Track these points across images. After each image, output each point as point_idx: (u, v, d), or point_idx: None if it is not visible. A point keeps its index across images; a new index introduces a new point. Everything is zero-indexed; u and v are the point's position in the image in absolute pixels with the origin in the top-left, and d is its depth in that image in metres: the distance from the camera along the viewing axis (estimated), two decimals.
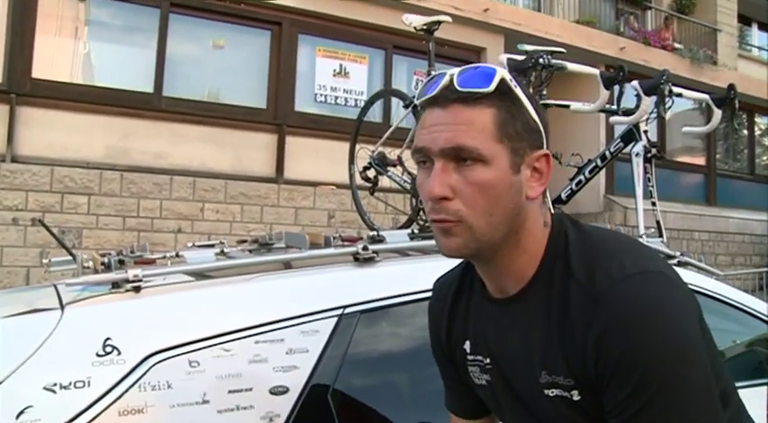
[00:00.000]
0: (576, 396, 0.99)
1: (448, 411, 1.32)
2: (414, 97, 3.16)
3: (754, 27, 15.31)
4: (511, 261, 1.05)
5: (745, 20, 14.69)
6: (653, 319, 0.92)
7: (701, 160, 13.42)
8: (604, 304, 0.95)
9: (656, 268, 0.99)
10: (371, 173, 3.37)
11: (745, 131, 14.41)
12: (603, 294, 0.95)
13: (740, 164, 14.38)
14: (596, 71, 2.64)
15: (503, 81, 1.00)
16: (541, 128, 1.04)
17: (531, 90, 2.47)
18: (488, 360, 1.13)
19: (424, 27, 3.15)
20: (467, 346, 1.18)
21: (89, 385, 1.39)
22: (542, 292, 1.03)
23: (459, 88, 0.99)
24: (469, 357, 1.18)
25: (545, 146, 1.05)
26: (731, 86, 2.76)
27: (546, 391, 1.02)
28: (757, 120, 14.60)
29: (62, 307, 1.52)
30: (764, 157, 15.13)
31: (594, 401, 0.97)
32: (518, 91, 1.02)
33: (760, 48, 15.43)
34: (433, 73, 1.06)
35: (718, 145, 13.81)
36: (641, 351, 0.91)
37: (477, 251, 1.02)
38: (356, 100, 8.95)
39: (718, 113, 2.82)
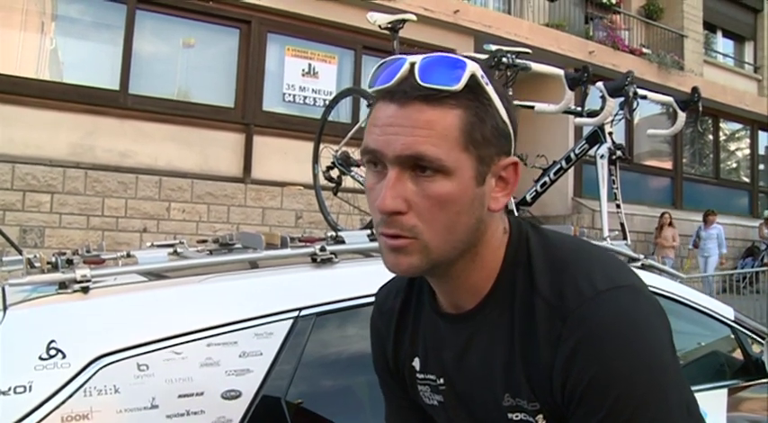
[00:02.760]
0: (540, 421, 0.92)
1: None
2: None
3: (719, 34, 15.57)
4: (467, 276, 0.95)
5: (710, 27, 14.93)
6: (627, 340, 0.85)
7: (668, 164, 13.60)
8: (573, 323, 0.86)
9: (626, 282, 0.91)
10: (335, 173, 3.34)
11: (711, 136, 14.64)
12: (573, 312, 0.87)
13: (706, 168, 14.61)
14: (561, 72, 2.63)
15: (473, 77, 0.87)
16: (511, 131, 0.92)
17: None
18: (441, 380, 1.03)
19: (389, 25, 3.13)
20: (416, 363, 1.08)
21: (30, 390, 1.34)
22: (503, 308, 0.94)
23: (421, 83, 0.85)
24: (419, 375, 1.08)
25: (513, 151, 0.93)
26: (695, 89, 2.78)
27: (510, 416, 0.94)
28: (722, 125, 14.85)
29: (5, 308, 1.45)
30: (729, 162, 15.39)
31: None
32: (489, 88, 0.89)
33: (725, 55, 15.68)
34: (390, 58, 0.92)
35: (685, 149, 14.01)
36: (615, 374, 0.84)
37: (430, 270, 0.92)
38: (325, 100, 8.89)
39: (682, 116, 2.83)
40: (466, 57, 0.89)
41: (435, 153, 0.84)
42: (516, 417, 0.93)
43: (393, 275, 1.13)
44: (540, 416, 0.91)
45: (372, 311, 1.21)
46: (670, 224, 10.82)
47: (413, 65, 0.87)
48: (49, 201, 7.04)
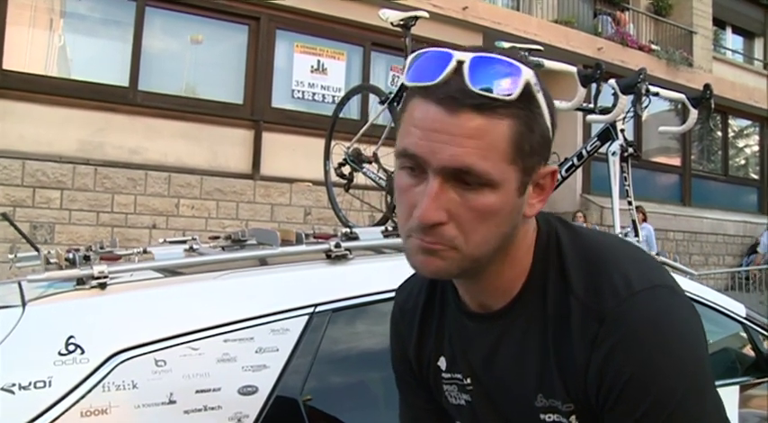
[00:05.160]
0: (574, 422, 0.90)
1: None
2: (390, 93, 3.13)
3: (728, 30, 15.49)
4: (497, 276, 0.92)
5: (719, 23, 14.86)
6: (665, 341, 0.83)
7: (676, 161, 13.54)
8: (611, 324, 0.84)
9: (662, 282, 0.88)
10: (347, 169, 3.35)
11: (720, 133, 14.58)
12: (609, 313, 0.84)
13: (714, 165, 14.54)
14: (574, 69, 2.63)
15: (527, 85, 0.81)
16: (551, 135, 0.88)
17: None
18: (469, 380, 1.01)
19: (401, 22, 3.13)
20: (441, 362, 1.05)
21: (50, 385, 1.35)
22: (534, 308, 0.92)
23: (472, 89, 0.79)
24: (445, 375, 1.05)
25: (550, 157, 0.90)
26: (707, 86, 2.77)
27: (543, 416, 0.92)
28: (731, 122, 14.78)
29: (24, 304, 1.47)
30: (738, 159, 15.32)
31: None
32: (540, 97, 0.84)
33: (734, 51, 15.61)
34: (428, 49, 0.86)
35: (694, 146, 13.95)
36: (654, 375, 0.82)
37: (457, 275, 0.90)
38: (334, 96, 8.89)
39: (694, 113, 2.82)
40: (516, 60, 0.84)
41: (484, 167, 0.80)
42: (549, 418, 0.91)
43: (412, 273, 1.08)
44: (574, 416, 0.90)
45: (393, 310, 1.18)
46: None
47: (461, 64, 0.81)
48: (58, 197, 7.06)
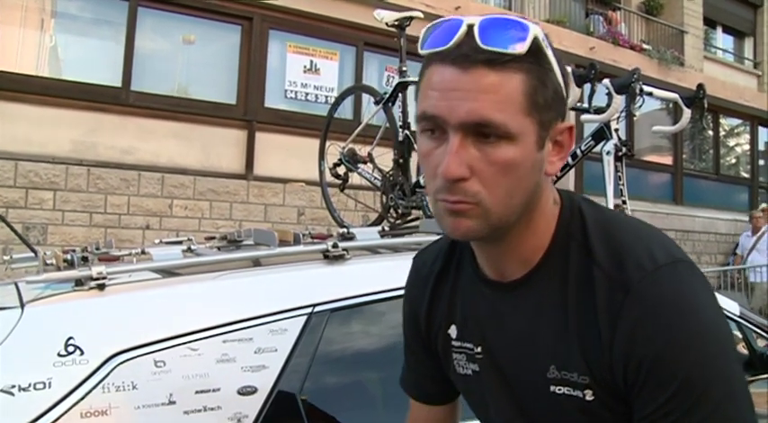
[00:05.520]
0: (588, 396, 0.89)
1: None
2: (385, 94, 3.14)
3: (719, 30, 15.55)
4: (519, 243, 0.93)
5: (710, 23, 14.92)
6: (695, 314, 0.84)
7: (668, 160, 13.59)
8: (637, 295, 0.84)
9: (683, 257, 0.89)
10: (342, 170, 3.35)
11: (711, 132, 14.64)
12: (636, 284, 0.85)
13: (706, 164, 14.60)
14: (569, 69, 2.63)
15: (535, 40, 0.85)
16: (565, 93, 0.91)
17: None
18: (479, 349, 1.01)
19: (396, 23, 3.13)
20: (452, 331, 1.06)
21: (50, 387, 1.35)
22: (554, 278, 0.92)
23: (482, 46, 0.83)
24: (455, 343, 1.06)
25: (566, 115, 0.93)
26: (700, 86, 2.79)
27: (553, 388, 0.91)
28: (722, 121, 14.85)
29: (22, 305, 1.47)
30: (729, 158, 15.39)
31: (610, 403, 0.89)
32: (549, 52, 0.88)
33: (724, 50, 15.67)
34: (441, 19, 0.90)
35: (685, 145, 14.01)
36: (686, 348, 0.82)
37: (487, 235, 0.90)
38: (327, 96, 8.89)
39: (687, 113, 2.84)
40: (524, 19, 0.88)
41: (501, 119, 0.83)
42: (559, 390, 0.91)
43: (433, 240, 1.15)
44: (589, 391, 0.89)
45: (408, 274, 1.18)
46: None
47: (470, 27, 0.85)
48: (51, 198, 7.04)
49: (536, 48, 0.85)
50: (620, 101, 2.60)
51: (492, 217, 0.87)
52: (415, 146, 2.91)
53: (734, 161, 15.54)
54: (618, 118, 2.68)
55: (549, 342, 0.92)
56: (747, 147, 15.41)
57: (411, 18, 3.12)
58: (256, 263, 1.84)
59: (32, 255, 2.37)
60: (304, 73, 8.89)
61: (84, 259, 1.77)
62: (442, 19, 0.90)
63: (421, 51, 0.89)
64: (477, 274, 1.01)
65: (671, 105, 2.74)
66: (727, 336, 0.87)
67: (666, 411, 0.82)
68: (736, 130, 15.54)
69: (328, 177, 3.44)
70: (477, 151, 0.84)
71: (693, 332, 0.83)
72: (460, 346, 1.05)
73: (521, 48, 0.83)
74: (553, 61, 0.88)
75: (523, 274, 0.95)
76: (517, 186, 0.87)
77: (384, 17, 3.17)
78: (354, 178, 3.36)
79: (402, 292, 1.20)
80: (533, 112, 0.85)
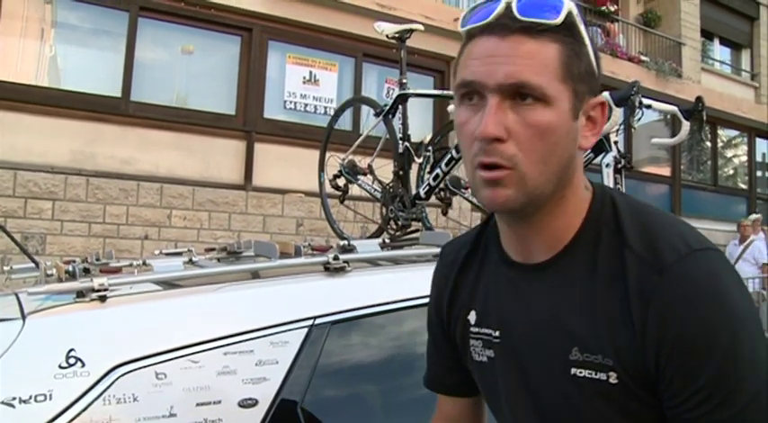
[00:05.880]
0: (612, 379, 0.88)
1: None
2: (385, 106, 3.15)
3: (716, 42, 15.62)
4: (550, 221, 0.95)
5: (707, 35, 14.98)
6: (728, 298, 0.84)
7: (666, 171, 13.62)
8: (672, 276, 0.84)
9: (713, 245, 0.91)
10: (341, 181, 3.36)
11: (709, 143, 14.68)
12: (671, 266, 0.85)
13: (704, 175, 14.64)
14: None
15: (570, 14, 0.89)
16: (597, 72, 0.94)
17: None
18: (498, 333, 1.02)
19: (396, 35, 3.15)
20: (471, 316, 1.08)
21: (51, 399, 1.35)
22: (583, 261, 0.93)
23: (520, 17, 0.87)
24: (473, 329, 1.07)
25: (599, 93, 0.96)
26: (699, 99, 2.79)
27: (574, 371, 0.91)
28: (720, 132, 14.89)
29: (23, 317, 1.47)
30: (726, 169, 15.43)
31: (636, 389, 0.87)
32: (582, 28, 0.92)
33: (722, 62, 15.74)
34: (482, 1, 0.95)
35: (683, 156, 14.04)
36: (721, 331, 0.82)
37: (524, 206, 0.91)
38: (326, 107, 8.91)
39: (686, 125, 2.84)
40: None
41: (538, 81, 0.86)
42: (581, 373, 0.90)
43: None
44: (614, 374, 0.88)
45: (436, 264, 1.20)
46: None
47: (508, 2, 0.89)
48: (50, 208, 7.04)
49: (570, 21, 0.90)
50: (619, 113, 2.60)
51: (528, 184, 0.89)
52: (415, 158, 2.92)
53: (732, 172, 15.57)
54: (617, 130, 2.68)
55: (573, 324, 0.92)
56: (745, 158, 15.45)
57: (411, 30, 3.13)
58: (257, 275, 1.84)
59: (32, 265, 2.38)
60: (303, 84, 8.91)
61: (86, 270, 1.77)
62: (482, 1, 0.94)
63: (461, 30, 0.94)
64: (503, 258, 1.03)
65: (669, 117, 2.76)
66: (758, 321, 0.87)
67: (701, 399, 0.82)
68: (733, 142, 15.58)
69: (328, 189, 3.44)
70: (514, 114, 0.88)
71: (727, 316, 0.83)
72: (478, 331, 1.06)
73: (556, 18, 0.88)
74: (586, 37, 0.92)
75: (550, 257, 0.96)
76: (552, 152, 0.89)
77: (385, 29, 3.18)
78: (354, 189, 3.36)
79: (403, 304, 1.21)
80: (568, 79, 0.89)
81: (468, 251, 1.11)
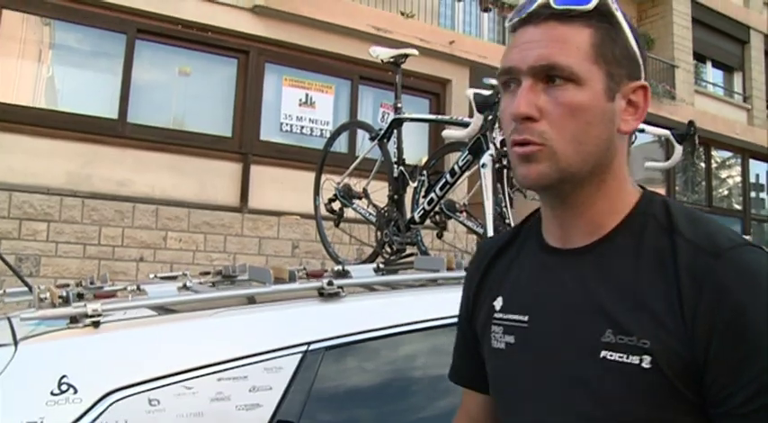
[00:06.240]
0: (645, 363, 0.85)
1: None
2: (380, 130, 3.17)
3: (709, 65, 15.76)
4: (590, 205, 0.96)
5: (700, 58, 15.12)
6: None
7: (661, 191, 13.62)
8: (729, 261, 0.84)
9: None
10: (337, 205, 3.37)
11: (703, 164, 14.76)
12: (727, 251, 0.85)
13: (699, 196, 14.70)
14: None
15: (604, 2, 0.93)
16: (640, 59, 0.96)
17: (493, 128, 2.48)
18: (526, 317, 1.00)
19: (391, 60, 3.18)
20: (498, 302, 1.07)
21: None
22: (626, 246, 0.93)
23: (555, 5, 0.92)
24: (497, 316, 1.06)
25: (643, 78, 0.97)
26: (691, 123, 2.82)
27: (604, 353, 0.88)
28: (714, 153, 14.98)
29: (15, 342, 1.46)
30: (721, 190, 15.50)
31: (671, 377, 0.84)
32: (619, 14, 0.95)
33: (715, 84, 15.87)
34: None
35: (678, 177, 14.11)
36: None
37: (559, 182, 0.93)
38: (322, 130, 8.96)
39: (679, 149, 2.87)
40: None
41: (567, 62, 0.90)
42: (611, 355, 0.88)
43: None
44: (648, 357, 0.85)
45: (470, 259, 1.22)
46: None
47: None
48: (45, 229, 7.02)
49: (605, 8, 0.93)
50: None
51: (561, 160, 0.91)
52: (410, 182, 2.93)
53: (726, 193, 15.65)
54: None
55: (610, 305, 0.90)
56: (739, 179, 15.53)
57: (406, 55, 3.16)
58: (251, 300, 1.84)
59: (25, 289, 2.37)
60: (299, 106, 8.96)
61: (80, 296, 1.76)
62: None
63: (507, 24, 0.99)
64: (541, 244, 1.04)
65: (663, 138, 2.78)
66: None
67: (754, 391, 0.80)
68: (727, 163, 15.68)
69: (323, 212, 3.45)
70: (546, 95, 0.91)
71: None
72: (502, 317, 1.05)
73: (588, 4, 0.92)
74: (623, 23, 0.95)
75: (592, 242, 0.97)
76: (585, 132, 0.92)
77: (380, 54, 3.21)
78: (349, 212, 3.37)
79: (397, 329, 1.21)
80: (600, 61, 0.92)
81: (505, 241, 1.13)
